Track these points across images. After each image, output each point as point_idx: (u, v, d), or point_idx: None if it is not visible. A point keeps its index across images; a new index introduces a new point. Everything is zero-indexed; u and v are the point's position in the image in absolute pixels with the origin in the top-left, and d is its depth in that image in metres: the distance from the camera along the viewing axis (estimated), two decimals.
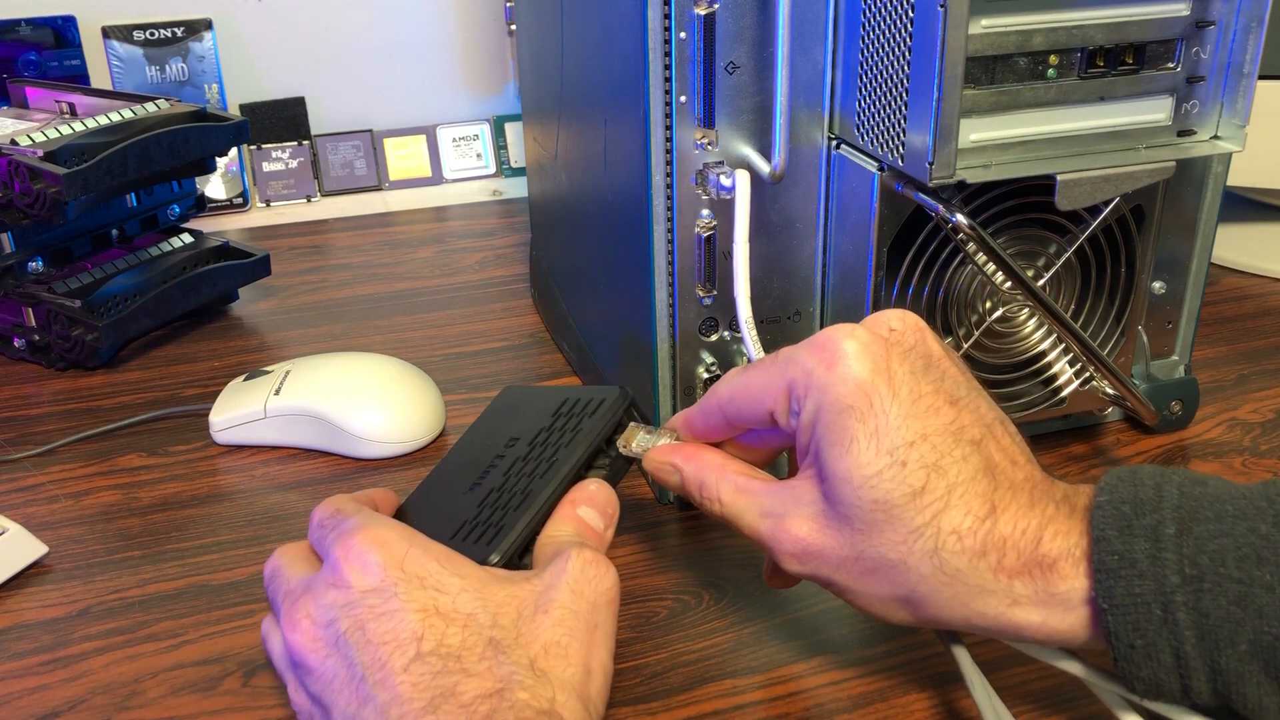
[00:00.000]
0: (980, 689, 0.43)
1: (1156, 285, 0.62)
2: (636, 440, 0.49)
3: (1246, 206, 0.93)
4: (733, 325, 0.58)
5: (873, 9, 0.51)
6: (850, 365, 0.40)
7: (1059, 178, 0.51)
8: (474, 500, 0.47)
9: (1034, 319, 0.60)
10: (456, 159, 1.15)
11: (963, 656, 0.44)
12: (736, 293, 0.55)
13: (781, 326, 0.59)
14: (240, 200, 1.08)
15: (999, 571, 0.39)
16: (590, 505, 0.45)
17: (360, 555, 0.40)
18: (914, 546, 0.39)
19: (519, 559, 0.44)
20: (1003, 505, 0.39)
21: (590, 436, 0.47)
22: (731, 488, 0.44)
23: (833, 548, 0.41)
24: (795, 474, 0.43)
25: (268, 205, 1.09)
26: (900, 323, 0.42)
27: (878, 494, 0.39)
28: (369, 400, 0.65)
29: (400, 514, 0.50)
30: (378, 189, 1.12)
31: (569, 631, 0.39)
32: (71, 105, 0.85)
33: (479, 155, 1.16)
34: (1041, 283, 0.58)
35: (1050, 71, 0.52)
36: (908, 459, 0.39)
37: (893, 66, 0.50)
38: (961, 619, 0.40)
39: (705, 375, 0.58)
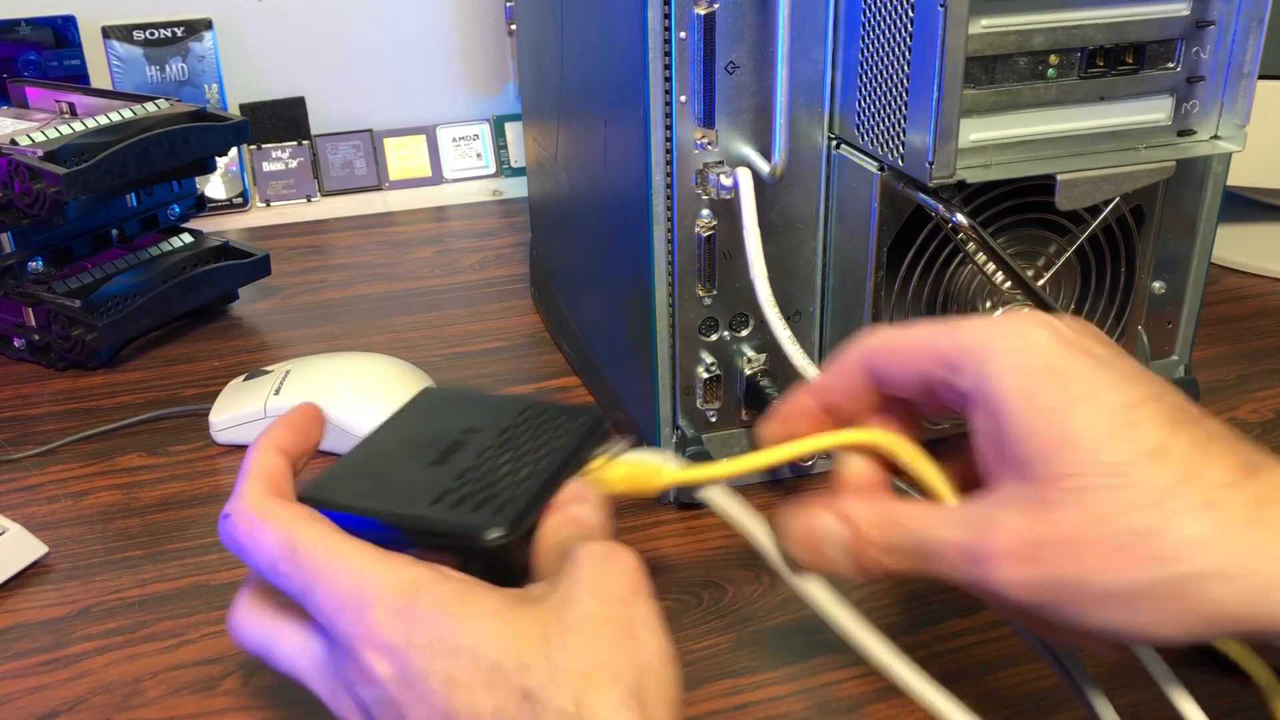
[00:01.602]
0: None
1: (1156, 285, 0.62)
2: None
3: (1246, 206, 0.93)
4: (733, 325, 0.58)
5: (873, 9, 0.51)
6: (1038, 333, 0.34)
7: (1059, 178, 0.51)
8: (447, 474, 0.42)
9: None
10: (456, 159, 1.15)
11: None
12: (756, 286, 0.54)
13: None
14: (240, 200, 1.08)
15: None
16: (579, 503, 0.41)
17: (374, 638, 0.35)
18: (1171, 506, 0.32)
19: (529, 539, 0.40)
20: (1261, 465, 0.33)
21: (570, 449, 0.43)
22: (876, 517, 0.37)
23: (1068, 526, 0.33)
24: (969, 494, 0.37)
25: (268, 205, 1.09)
26: (1073, 320, 0.36)
27: (1113, 455, 0.32)
28: (369, 400, 0.65)
29: (341, 479, 0.43)
30: (378, 189, 1.12)
31: (608, 644, 0.34)
32: (71, 105, 0.85)
33: (479, 155, 1.16)
34: (1041, 283, 0.57)
35: (1050, 71, 0.52)
36: (1137, 418, 0.33)
37: (893, 66, 0.50)
38: (1259, 616, 0.32)
39: (705, 375, 0.58)
